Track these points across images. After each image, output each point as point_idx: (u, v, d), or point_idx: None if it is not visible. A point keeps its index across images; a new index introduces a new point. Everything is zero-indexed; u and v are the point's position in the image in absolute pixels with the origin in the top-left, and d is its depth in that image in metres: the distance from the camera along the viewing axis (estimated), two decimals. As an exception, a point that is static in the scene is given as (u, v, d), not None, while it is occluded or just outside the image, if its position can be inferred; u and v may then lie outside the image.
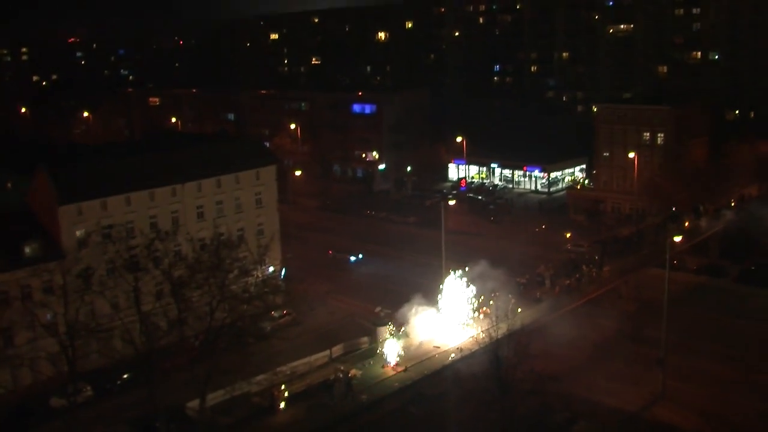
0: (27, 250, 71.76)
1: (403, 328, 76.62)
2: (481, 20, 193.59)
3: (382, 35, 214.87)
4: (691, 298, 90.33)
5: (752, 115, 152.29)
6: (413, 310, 77.73)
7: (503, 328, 64.27)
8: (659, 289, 74.53)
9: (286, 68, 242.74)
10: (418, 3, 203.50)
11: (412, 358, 73.54)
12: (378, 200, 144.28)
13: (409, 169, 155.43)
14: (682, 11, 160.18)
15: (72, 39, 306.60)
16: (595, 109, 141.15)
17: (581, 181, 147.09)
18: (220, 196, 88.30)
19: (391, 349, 73.14)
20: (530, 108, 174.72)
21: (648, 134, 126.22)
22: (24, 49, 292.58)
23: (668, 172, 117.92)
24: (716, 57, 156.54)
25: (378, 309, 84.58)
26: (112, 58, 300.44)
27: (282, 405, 65.22)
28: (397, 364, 72.13)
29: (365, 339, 77.87)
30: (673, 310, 72.96)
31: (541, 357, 65.97)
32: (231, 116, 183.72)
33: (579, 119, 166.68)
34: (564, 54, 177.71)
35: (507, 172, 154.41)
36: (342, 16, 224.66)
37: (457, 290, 77.85)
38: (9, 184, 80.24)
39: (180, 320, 59.99)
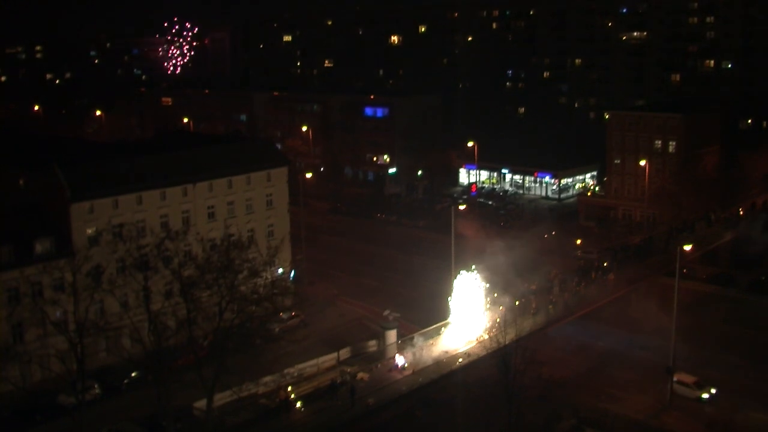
0: (38, 247, 72.05)
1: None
2: (494, 25, 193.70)
3: (395, 39, 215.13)
4: (700, 307, 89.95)
5: (765, 125, 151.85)
6: None
7: (511, 334, 64.26)
8: (669, 298, 74.29)
9: (299, 70, 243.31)
10: (432, 7, 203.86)
11: (420, 362, 73.46)
12: (389, 203, 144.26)
13: (420, 173, 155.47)
14: (696, 20, 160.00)
15: (86, 38, 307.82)
16: (607, 116, 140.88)
17: (592, 187, 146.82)
18: (231, 196, 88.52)
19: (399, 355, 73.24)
20: (542, 114, 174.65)
21: (660, 142, 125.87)
22: (38, 47, 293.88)
23: (680, 180, 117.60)
24: (729, 66, 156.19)
25: (386, 312, 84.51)
26: (126, 58, 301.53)
27: (298, 404, 65.30)
28: (404, 368, 72.08)
29: (373, 342, 77.82)
30: (682, 318, 72.69)
31: (548, 363, 65.93)
32: (243, 117, 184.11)
33: (591, 126, 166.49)
34: (577, 60, 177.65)
35: (518, 177, 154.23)
36: (355, 19, 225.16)
37: (466, 294, 77.72)
38: (21, 181, 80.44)
39: (189, 320, 60.06)
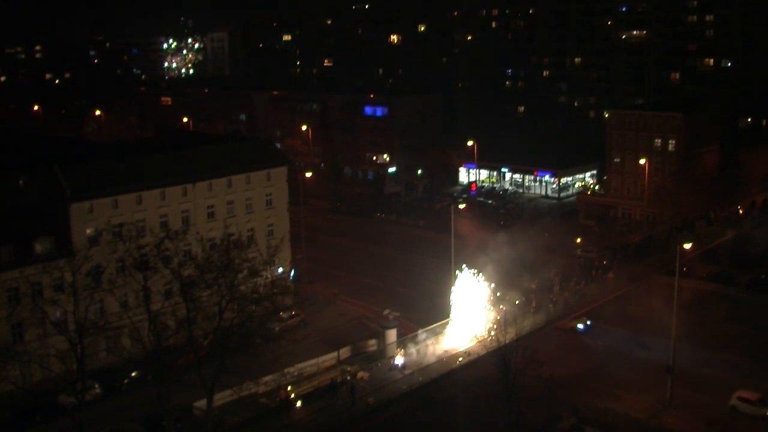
0: (38, 247, 72.03)
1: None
2: (493, 24, 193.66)
3: (394, 38, 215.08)
4: (700, 305, 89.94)
5: (765, 123, 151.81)
6: None
7: (511, 333, 64.26)
8: (669, 296, 74.28)
9: (298, 70, 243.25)
10: (431, 6, 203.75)
11: (420, 361, 73.51)
12: (388, 203, 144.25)
13: (419, 172, 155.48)
14: (695, 18, 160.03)
15: (86, 38, 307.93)
16: (606, 115, 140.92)
17: (592, 186, 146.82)
18: (231, 196, 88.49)
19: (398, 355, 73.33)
20: (542, 113, 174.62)
21: (659, 141, 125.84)
22: (38, 47, 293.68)
23: (679, 178, 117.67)
24: (729, 64, 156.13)
25: (386, 311, 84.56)
26: (125, 57, 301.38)
27: (298, 404, 65.38)
28: (403, 367, 72.12)
29: (373, 341, 77.86)
30: (682, 317, 72.68)
31: (548, 362, 65.90)
32: (243, 117, 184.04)
33: (591, 124, 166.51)
34: (576, 59, 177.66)
35: (517, 176, 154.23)
36: (355, 18, 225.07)
37: (467, 293, 77.77)
38: (21, 181, 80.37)
39: (189, 320, 60.05)
